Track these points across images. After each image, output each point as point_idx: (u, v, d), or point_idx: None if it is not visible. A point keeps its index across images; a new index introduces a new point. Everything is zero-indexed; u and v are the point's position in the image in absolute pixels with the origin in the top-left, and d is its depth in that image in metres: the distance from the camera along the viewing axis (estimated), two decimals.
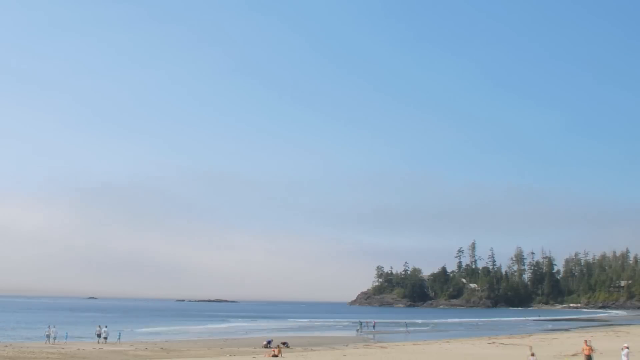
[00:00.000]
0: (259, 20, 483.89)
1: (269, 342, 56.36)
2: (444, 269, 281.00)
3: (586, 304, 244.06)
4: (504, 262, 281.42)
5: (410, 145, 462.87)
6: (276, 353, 44.59)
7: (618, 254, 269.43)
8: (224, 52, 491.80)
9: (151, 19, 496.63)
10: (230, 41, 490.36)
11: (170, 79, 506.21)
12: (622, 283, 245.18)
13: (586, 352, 34.92)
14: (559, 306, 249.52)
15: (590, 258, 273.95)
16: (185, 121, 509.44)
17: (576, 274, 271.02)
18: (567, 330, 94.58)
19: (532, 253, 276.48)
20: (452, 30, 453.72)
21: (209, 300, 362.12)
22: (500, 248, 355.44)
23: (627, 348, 33.83)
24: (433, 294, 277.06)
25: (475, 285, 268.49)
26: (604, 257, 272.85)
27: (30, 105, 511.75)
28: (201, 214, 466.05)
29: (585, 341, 36.60)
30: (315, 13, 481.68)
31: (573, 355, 41.64)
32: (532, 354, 33.82)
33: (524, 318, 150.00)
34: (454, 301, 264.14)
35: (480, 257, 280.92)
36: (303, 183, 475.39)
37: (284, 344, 55.34)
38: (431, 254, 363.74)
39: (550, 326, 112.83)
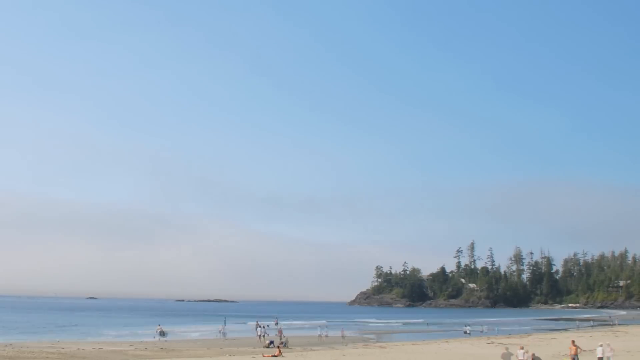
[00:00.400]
0: (273, 23, 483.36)
1: (271, 342, 56.50)
2: (443, 269, 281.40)
3: (585, 304, 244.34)
4: (503, 262, 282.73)
5: (412, 145, 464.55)
6: (276, 354, 44.74)
7: (617, 254, 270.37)
8: (237, 54, 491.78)
9: (166, 22, 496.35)
10: (244, 44, 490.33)
11: (182, 80, 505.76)
12: (621, 283, 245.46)
13: (572, 352, 35.55)
14: (558, 306, 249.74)
15: (589, 258, 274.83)
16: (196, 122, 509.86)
17: (575, 274, 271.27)
18: (565, 330, 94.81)
19: (531, 253, 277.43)
20: (456, 32, 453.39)
21: (208, 300, 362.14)
22: (499, 248, 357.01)
23: (601, 346, 36.77)
24: (432, 294, 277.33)
25: (474, 285, 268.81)
26: (602, 257, 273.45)
27: (48, 108, 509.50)
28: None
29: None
30: (329, 17, 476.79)
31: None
32: (521, 348, 37.63)
33: (518, 318, 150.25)
34: (453, 301, 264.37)
35: (479, 257, 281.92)
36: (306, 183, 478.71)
37: (282, 343, 55.55)
38: (430, 254, 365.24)
39: (548, 326, 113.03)
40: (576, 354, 35.49)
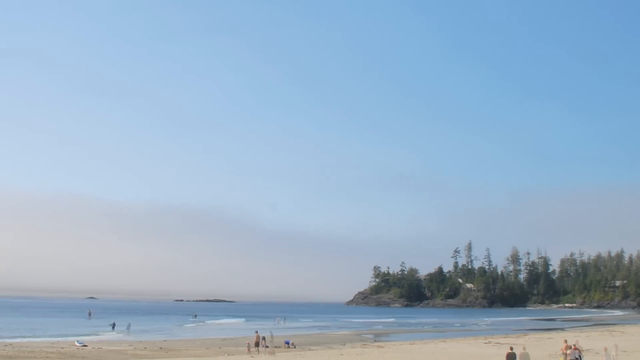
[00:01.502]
0: (315, 33, 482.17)
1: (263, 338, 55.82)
2: (440, 269, 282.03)
3: (581, 304, 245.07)
4: (500, 262, 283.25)
5: (416, 145, 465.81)
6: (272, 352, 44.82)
7: (613, 254, 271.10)
8: (276, 63, 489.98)
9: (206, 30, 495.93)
10: (284, 53, 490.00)
11: (220, 88, 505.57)
12: (617, 283, 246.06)
13: (563, 351, 35.86)
14: (555, 306, 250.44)
15: (585, 258, 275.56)
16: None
17: (571, 273, 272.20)
18: (562, 329, 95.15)
19: (528, 253, 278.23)
20: (474, 33, 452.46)
21: (207, 300, 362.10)
22: (496, 248, 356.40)
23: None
24: (430, 293, 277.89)
25: (472, 285, 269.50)
26: (599, 257, 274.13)
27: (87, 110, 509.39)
28: None
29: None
30: (367, 26, 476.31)
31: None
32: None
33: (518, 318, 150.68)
34: (450, 301, 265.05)
35: (476, 257, 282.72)
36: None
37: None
38: (428, 254, 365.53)
39: (546, 326, 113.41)
40: (565, 353, 35.76)
